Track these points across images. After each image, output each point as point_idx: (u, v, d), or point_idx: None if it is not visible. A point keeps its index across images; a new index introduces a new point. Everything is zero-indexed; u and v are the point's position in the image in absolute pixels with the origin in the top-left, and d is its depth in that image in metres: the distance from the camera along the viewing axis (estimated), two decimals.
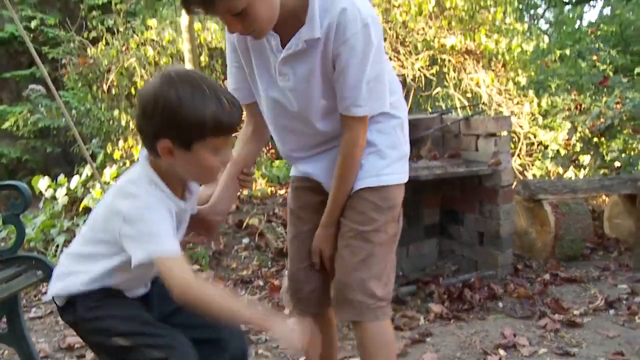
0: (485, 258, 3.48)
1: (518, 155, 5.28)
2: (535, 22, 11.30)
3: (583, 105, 5.71)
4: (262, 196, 4.47)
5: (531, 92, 5.57)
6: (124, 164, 5.00)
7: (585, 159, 5.29)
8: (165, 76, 1.32)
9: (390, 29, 5.27)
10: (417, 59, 5.31)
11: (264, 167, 5.01)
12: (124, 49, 5.70)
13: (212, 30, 5.67)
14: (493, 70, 5.55)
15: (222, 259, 3.76)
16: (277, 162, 5.10)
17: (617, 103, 5.38)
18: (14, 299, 2.10)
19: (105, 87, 5.71)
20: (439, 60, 5.47)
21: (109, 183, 4.35)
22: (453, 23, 5.34)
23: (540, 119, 5.47)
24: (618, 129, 5.31)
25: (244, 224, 4.04)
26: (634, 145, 5.21)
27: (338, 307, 1.70)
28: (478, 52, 5.47)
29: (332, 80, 1.57)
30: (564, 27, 9.94)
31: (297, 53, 1.55)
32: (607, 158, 5.31)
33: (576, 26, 10.23)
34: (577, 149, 5.40)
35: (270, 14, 1.46)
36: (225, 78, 1.99)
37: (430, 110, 5.13)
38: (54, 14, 8.75)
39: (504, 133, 3.43)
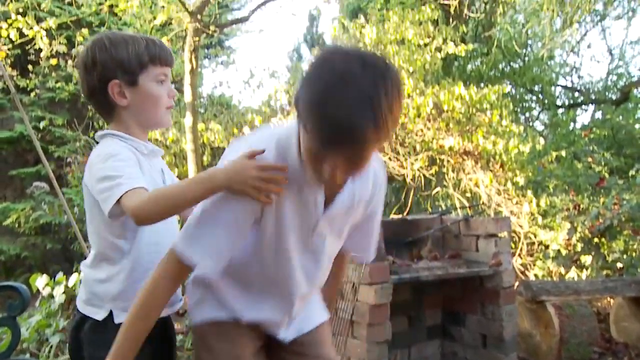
0: None
1: (519, 255, 5.26)
2: (531, 123, 11.59)
3: (581, 206, 5.75)
4: None
5: (529, 193, 5.63)
6: None
7: (587, 259, 5.26)
8: (93, 38, 1.50)
9: None
10: (417, 159, 5.41)
11: None
12: None
13: (215, 131, 5.81)
14: (491, 171, 5.63)
15: None
16: None
17: (615, 204, 5.43)
18: None
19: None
20: (438, 161, 5.58)
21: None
22: (451, 125, 5.48)
23: (539, 218, 5.49)
24: (618, 230, 5.32)
25: None
26: (635, 247, 5.20)
27: None
28: (476, 152, 5.58)
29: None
30: (559, 129, 10.18)
31: (344, 209, 1.40)
32: (609, 259, 5.28)
33: (570, 128, 10.49)
34: (578, 249, 5.38)
35: None
36: None
37: (430, 209, 5.17)
38: (62, 114, 9.01)
39: (504, 234, 3.44)
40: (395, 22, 5.92)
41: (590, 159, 6.87)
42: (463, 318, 3.60)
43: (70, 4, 7.15)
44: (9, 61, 7.07)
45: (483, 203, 5.35)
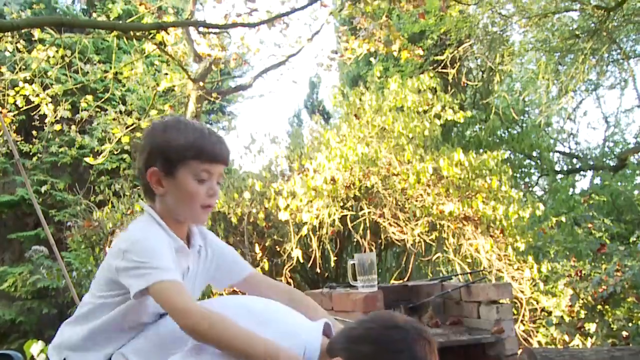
0: None
1: (521, 321, 5.17)
2: (530, 189, 11.65)
3: (583, 272, 5.70)
4: None
5: (530, 258, 5.59)
6: None
7: (592, 327, 5.17)
8: (157, 120, 1.50)
9: (389, 195, 5.44)
10: (417, 224, 5.41)
11: None
12: (128, 212, 5.83)
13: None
14: (492, 236, 5.62)
15: None
16: None
17: (617, 270, 5.38)
18: None
19: (107, 249, 5.75)
20: (438, 226, 5.57)
21: None
22: (450, 190, 5.51)
23: (541, 284, 5.44)
24: (621, 297, 5.26)
25: None
26: None
27: None
28: (476, 218, 5.58)
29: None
30: (558, 194, 10.22)
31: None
32: (614, 327, 5.19)
33: (569, 193, 10.54)
34: (582, 315, 5.30)
35: None
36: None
37: (430, 275, 5.13)
38: (64, 178, 9.09)
39: (506, 300, 3.41)
40: (394, 90, 6.04)
41: (590, 225, 6.86)
42: None
43: (76, 72, 7.31)
44: (13, 127, 7.21)
45: (484, 268, 5.31)
